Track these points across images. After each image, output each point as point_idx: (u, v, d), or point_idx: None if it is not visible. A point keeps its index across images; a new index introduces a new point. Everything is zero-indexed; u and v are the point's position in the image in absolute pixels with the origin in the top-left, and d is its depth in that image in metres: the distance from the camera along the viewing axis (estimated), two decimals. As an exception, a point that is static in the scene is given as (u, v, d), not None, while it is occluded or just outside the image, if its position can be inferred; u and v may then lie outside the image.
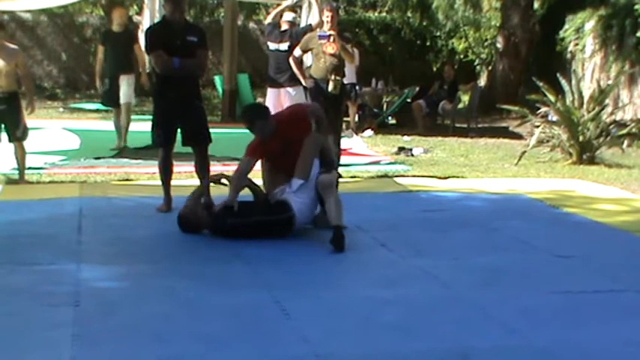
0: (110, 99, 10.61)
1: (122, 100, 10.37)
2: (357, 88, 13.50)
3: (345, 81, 13.09)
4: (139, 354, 3.83)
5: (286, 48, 9.25)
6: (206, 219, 6.06)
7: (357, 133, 12.97)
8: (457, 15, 18.57)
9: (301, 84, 9.14)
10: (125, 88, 10.31)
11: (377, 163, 10.15)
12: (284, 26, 9.52)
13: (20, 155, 8.17)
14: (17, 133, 8.08)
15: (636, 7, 13.82)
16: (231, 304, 4.56)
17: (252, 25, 20.83)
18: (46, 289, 4.76)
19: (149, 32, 7.37)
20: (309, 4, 10.82)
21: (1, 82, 7.95)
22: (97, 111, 16.25)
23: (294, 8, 10.62)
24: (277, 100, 9.48)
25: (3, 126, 8.10)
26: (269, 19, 10.13)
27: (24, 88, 8.43)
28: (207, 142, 7.08)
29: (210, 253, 5.65)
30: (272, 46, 9.58)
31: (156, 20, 12.53)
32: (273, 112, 9.46)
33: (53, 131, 12.14)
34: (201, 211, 6.13)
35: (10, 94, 8.04)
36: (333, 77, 8.60)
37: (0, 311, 4.37)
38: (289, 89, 9.20)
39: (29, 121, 8.32)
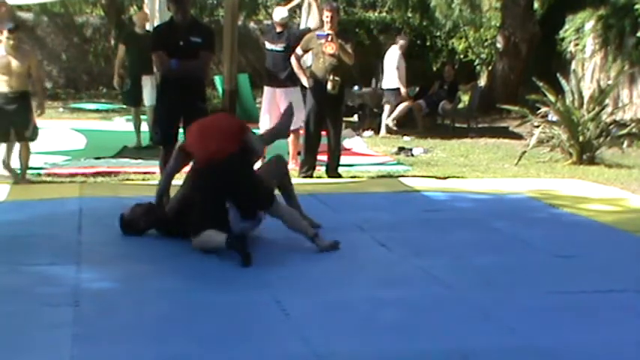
0: (132, 98, 10.97)
1: (148, 102, 10.57)
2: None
3: (388, 86, 13.42)
4: (138, 354, 3.84)
5: (282, 49, 9.26)
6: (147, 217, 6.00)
7: (391, 132, 13.17)
8: (454, 14, 18.54)
9: (298, 84, 9.15)
10: (149, 89, 10.44)
11: (378, 163, 10.15)
12: (278, 28, 9.54)
13: (24, 156, 8.20)
14: (26, 134, 8.12)
15: (636, 6, 13.81)
16: (230, 304, 4.56)
17: (252, 25, 20.83)
18: (46, 289, 4.76)
19: (153, 32, 7.36)
20: (309, 4, 10.81)
21: (13, 82, 8.00)
22: (97, 111, 16.27)
23: (294, 8, 10.61)
24: (273, 98, 9.49)
25: (14, 126, 8.12)
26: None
27: (34, 89, 8.44)
28: None
29: (210, 252, 5.64)
30: (268, 45, 9.59)
31: (155, 21, 12.56)
32: (268, 109, 9.53)
33: (59, 131, 12.13)
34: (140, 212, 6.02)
35: (21, 94, 8.08)
36: (332, 77, 8.60)
37: (0, 311, 4.37)
38: (284, 89, 9.21)
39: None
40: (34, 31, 19.32)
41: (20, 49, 8.10)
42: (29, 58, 8.17)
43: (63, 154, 10.10)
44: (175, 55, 6.83)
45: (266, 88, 9.65)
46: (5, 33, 7.91)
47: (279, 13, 9.75)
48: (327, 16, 8.67)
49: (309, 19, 10.94)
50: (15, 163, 8.52)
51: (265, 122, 9.53)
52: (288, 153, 9.65)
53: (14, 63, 7.97)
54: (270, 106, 9.51)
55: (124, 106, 17.07)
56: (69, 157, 9.85)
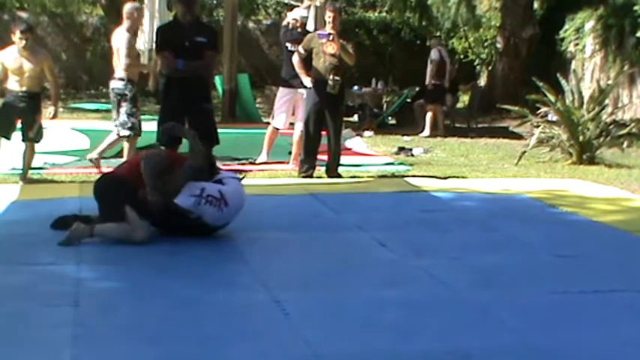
0: None
1: None
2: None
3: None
4: (138, 354, 3.83)
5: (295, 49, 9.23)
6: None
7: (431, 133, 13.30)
8: (450, 12, 18.54)
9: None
10: None
11: (378, 164, 10.16)
12: (299, 28, 9.53)
13: (28, 156, 8.24)
14: (30, 134, 8.15)
15: (635, 7, 13.82)
16: (230, 304, 4.56)
17: (251, 25, 20.84)
18: (46, 289, 4.76)
19: (158, 32, 7.36)
20: (309, 6, 10.84)
21: (24, 82, 8.03)
22: (96, 111, 16.26)
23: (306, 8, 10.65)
24: (291, 100, 9.49)
25: (20, 125, 8.16)
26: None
27: (50, 91, 8.51)
28: (213, 144, 7.10)
29: (210, 252, 5.65)
30: (292, 47, 9.54)
31: (155, 21, 12.57)
32: (285, 111, 9.53)
33: (60, 131, 12.10)
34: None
35: (32, 94, 8.11)
36: (332, 77, 8.60)
37: (0, 311, 4.37)
38: (303, 91, 9.20)
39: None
40: (34, 31, 19.31)
41: (33, 51, 8.09)
42: (42, 60, 8.13)
43: (66, 154, 10.10)
44: (181, 55, 6.83)
45: (284, 89, 9.61)
46: (18, 34, 7.91)
47: (300, 12, 9.75)
48: (329, 17, 8.69)
49: (309, 19, 10.95)
50: (12, 163, 8.58)
51: (281, 121, 9.55)
52: (290, 153, 9.66)
53: (26, 65, 7.98)
54: (288, 106, 9.52)
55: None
56: (77, 158, 9.84)
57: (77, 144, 11.18)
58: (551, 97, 10.91)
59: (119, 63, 8.58)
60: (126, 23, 8.66)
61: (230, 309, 4.47)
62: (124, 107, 8.63)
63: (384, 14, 21.49)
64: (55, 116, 8.50)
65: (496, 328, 4.25)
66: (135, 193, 5.77)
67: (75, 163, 9.51)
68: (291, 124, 9.74)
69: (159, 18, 14.46)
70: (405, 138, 12.88)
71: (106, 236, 5.76)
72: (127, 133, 8.66)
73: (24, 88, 8.03)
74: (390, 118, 15.27)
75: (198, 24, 7.23)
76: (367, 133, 13.29)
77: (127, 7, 8.75)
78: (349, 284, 5.02)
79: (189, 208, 5.77)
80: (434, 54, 14.23)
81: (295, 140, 9.41)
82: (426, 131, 13.42)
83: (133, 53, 8.64)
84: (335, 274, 5.26)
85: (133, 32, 8.75)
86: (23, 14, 18.98)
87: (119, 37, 8.68)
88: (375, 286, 4.97)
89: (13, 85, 8.02)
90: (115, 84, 8.67)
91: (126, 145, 8.73)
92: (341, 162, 9.12)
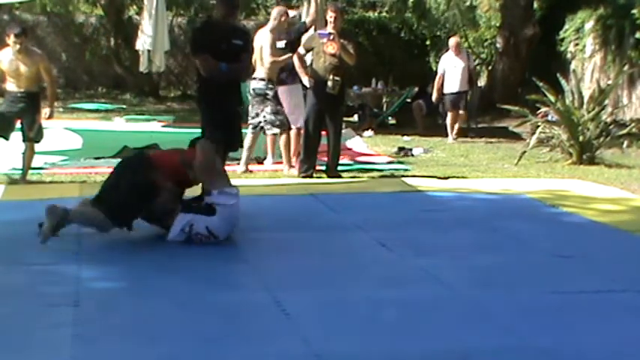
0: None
1: None
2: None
3: (452, 90, 13.36)
4: (138, 354, 3.84)
5: (283, 45, 9.25)
6: None
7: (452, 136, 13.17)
8: (440, 7, 18.49)
9: (297, 81, 9.13)
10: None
11: (378, 163, 10.16)
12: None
13: (28, 156, 8.28)
14: (30, 134, 8.18)
15: (633, 11, 13.81)
16: (231, 304, 4.56)
17: (251, 24, 20.81)
18: (46, 289, 4.76)
19: (195, 34, 7.30)
20: (310, 2, 10.83)
21: (21, 83, 8.11)
22: (96, 111, 16.28)
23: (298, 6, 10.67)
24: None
25: (20, 125, 8.20)
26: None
27: (47, 91, 8.56)
28: (235, 148, 7.16)
29: (211, 252, 5.65)
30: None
31: (151, 21, 12.54)
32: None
33: (60, 131, 12.11)
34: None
35: (29, 94, 8.18)
36: (331, 77, 8.61)
37: (0, 311, 4.37)
38: (287, 86, 9.22)
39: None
40: (33, 31, 19.31)
41: (29, 53, 8.17)
42: (38, 62, 8.21)
43: (60, 154, 10.09)
44: (219, 58, 6.77)
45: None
46: (12, 37, 7.99)
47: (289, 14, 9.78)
48: (331, 16, 8.70)
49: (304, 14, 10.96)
50: (12, 163, 8.59)
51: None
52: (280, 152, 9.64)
53: (22, 67, 8.08)
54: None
55: (124, 106, 17.13)
56: (66, 157, 9.83)
57: (70, 144, 11.17)
58: (551, 97, 10.91)
59: (261, 62, 8.87)
60: (271, 24, 9.01)
61: (230, 309, 4.48)
62: (269, 106, 8.94)
63: (383, 14, 21.47)
64: (50, 116, 8.52)
65: (496, 328, 4.26)
66: (155, 188, 5.80)
67: (67, 163, 9.50)
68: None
69: (159, 18, 14.49)
70: (405, 138, 12.87)
71: (82, 221, 5.80)
72: (276, 130, 9.03)
73: (22, 89, 8.12)
74: (389, 118, 15.27)
75: (233, 26, 7.17)
76: (367, 133, 13.29)
77: (274, 10, 9.16)
78: (349, 284, 5.02)
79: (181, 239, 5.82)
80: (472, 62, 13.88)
81: (291, 138, 9.34)
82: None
83: (275, 53, 8.89)
84: (335, 274, 5.27)
85: (277, 33, 8.99)
86: (22, 14, 18.97)
87: (263, 37, 8.98)
88: (375, 286, 4.98)
89: (11, 86, 8.13)
90: (256, 84, 8.96)
91: (269, 140, 9.25)
92: (341, 162, 9.13)
